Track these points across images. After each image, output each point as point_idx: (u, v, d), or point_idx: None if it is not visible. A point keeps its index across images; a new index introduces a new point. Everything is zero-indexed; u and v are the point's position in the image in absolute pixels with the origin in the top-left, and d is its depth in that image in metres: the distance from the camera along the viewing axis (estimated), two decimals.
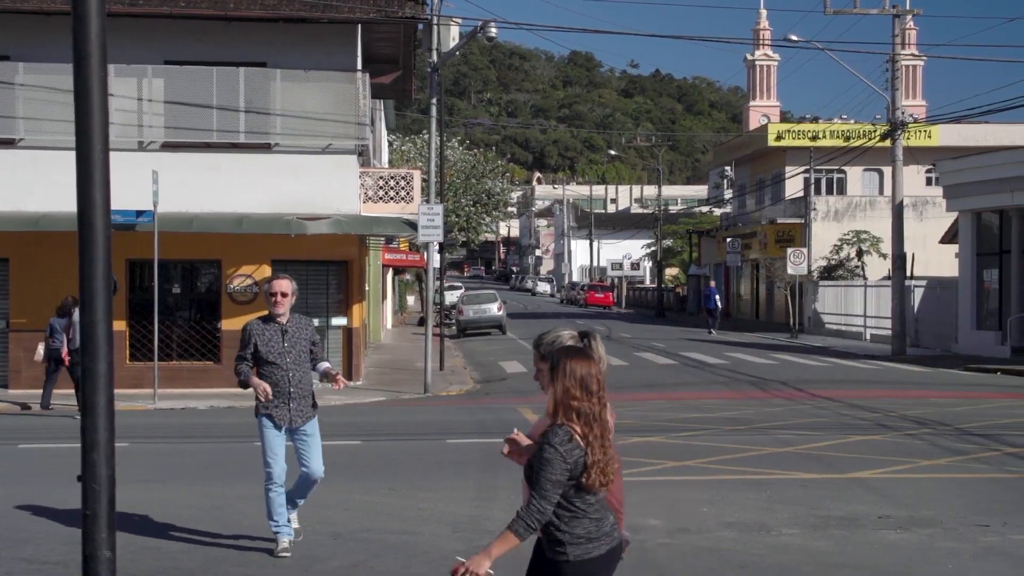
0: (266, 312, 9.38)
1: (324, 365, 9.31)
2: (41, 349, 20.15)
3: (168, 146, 23.98)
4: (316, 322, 24.83)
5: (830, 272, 49.50)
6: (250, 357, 9.18)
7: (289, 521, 9.33)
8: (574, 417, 4.74)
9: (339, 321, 25.29)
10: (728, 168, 67.20)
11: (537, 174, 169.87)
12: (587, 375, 4.76)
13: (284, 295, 9.17)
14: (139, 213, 22.08)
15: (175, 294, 25.09)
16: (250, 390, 9.24)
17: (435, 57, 28.48)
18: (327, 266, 25.30)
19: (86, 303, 3.97)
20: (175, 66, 24.01)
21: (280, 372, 9.09)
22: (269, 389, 9.01)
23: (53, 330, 20.30)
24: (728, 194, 67.81)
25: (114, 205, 4.44)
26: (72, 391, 19.51)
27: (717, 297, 49.70)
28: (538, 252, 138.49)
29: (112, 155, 4.09)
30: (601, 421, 4.80)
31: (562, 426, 4.76)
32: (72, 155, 3.99)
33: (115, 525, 4.10)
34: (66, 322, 19.92)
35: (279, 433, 9.17)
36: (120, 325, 23.28)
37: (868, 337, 41.24)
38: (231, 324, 24.18)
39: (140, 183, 21.41)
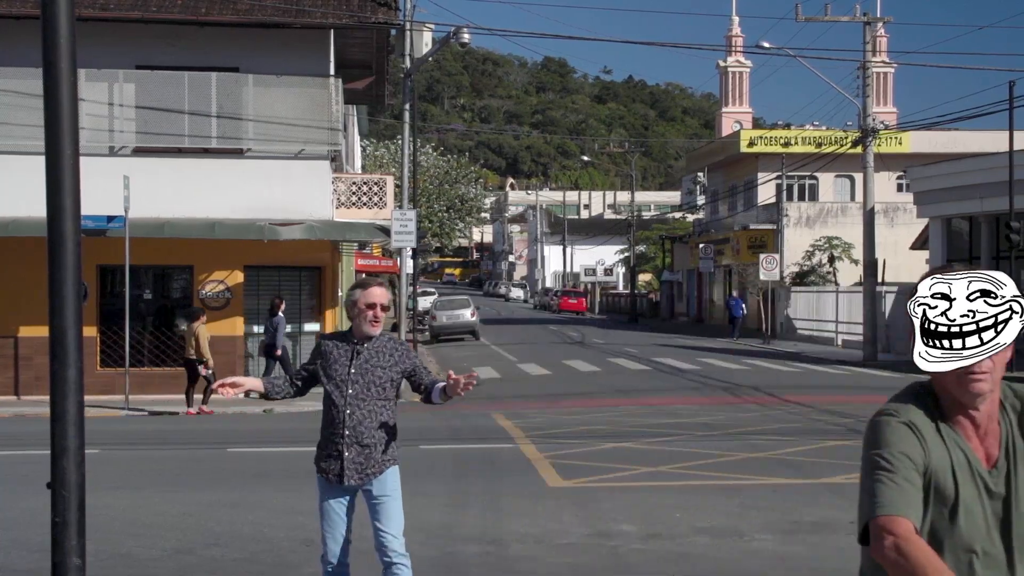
0: (346, 328, 6.88)
1: (440, 385, 6.71)
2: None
3: (140, 151, 23.87)
4: (289, 328, 25.13)
5: (802, 278, 49.73)
6: (304, 373, 6.74)
7: None
8: None
9: (312, 327, 25.24)
10: (701, 174, 67.51)
11: (510, 180, 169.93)
12: None
13: (385, 309, 6.59)
14: (110, 218, 21.95)
15: (146, 300, 24.96)
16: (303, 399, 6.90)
17: (408, 63, 28.49)
18: (300, 272, 25.23)
19: (55, 309, 3.94)
20: (147, 71, 23.91)
21: (336, 408, 6.48)
22: (227, 382, 6.45)
23: (267, 329, 23.71)
24: (701, 200, 68.08)
25: (85, 210, 4.41)
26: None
27: (743, 306, 49.98)
28: (511, 258, 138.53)
29: (83, 160, 4.06)
30: None
31: None
32: (42, 160, 3.96)
33: (85, 532, 4.07)
34: (279, 319, 23.56)
35: (336, 492, 6.59)
36: (91, 331, 23.15)
37: (840, 343, 41.44)
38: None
39: (111, 188, 21.30)
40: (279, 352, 23.50)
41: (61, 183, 3.92)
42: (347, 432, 6.45)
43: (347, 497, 6.61)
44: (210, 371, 21.43)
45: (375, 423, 6.50)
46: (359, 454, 6.47)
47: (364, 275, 44.47)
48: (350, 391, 6.46)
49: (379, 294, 6.57)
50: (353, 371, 6.47)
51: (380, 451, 6.54)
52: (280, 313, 23.67)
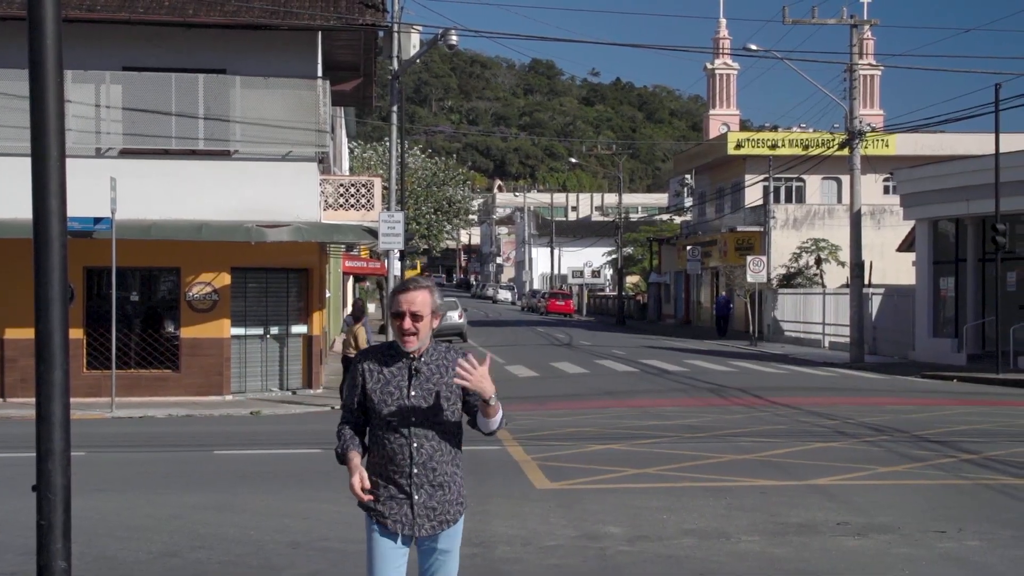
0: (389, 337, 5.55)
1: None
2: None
3: (126, 153, 23.81)
4: (275, 330, 25.11)
5: (789, 280, 49.83)
6: (357, 407, 5.29)
7: None
8: None
9: (299, 329, 25.20)
10: (688, 176, 67.54)
11: (498, 182, 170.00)
12: None
13: (418, 318, 5.14)
14: (97, 220, 21.89)
15: (133, 302, 24.89)
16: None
17: (396, 64, 28.49)
18: (287, 274, 25.19)
19: (41, 311, 3.93)
20: (133, 72, 23.84)
21: (398, 440, 5.16)
22: (363, 483, 5.14)
23: (350, 327, 23.74)
24: (688, 202, 68.14)
25: (71, 212, 4.40)
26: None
27: (732, 306, 50.80)
28: (499, 260, 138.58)
29: (69, 162, 4.06)
30: None
31: None
32: (28, 161, 3.96)
33: (71, 535, 4.06)
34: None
35: (394, 543, 5.23)
36: (77, 333, 23.08)
37: (827, 345, 41.54)
38: (190, 332, 24.04)
39: (98, 190, 21.25)
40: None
41: (47, 185, 3.91)
42: (415, 471, 5.16)
43: (406, 547, 5.26)
44: None
45: (448, 456, 5.25)
46: (431, 496, 5.19)
47: (342, 274, 44.38)
48: (414, 419, 5.16)
49: (417, 300, 5.14)
50: (414, 393, 5.16)
51: (456, 491, 5.28)
52: (366, 314, 25.30)
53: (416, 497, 5.16)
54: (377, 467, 5.23)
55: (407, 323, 5.09)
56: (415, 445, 5.14)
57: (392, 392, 5.15)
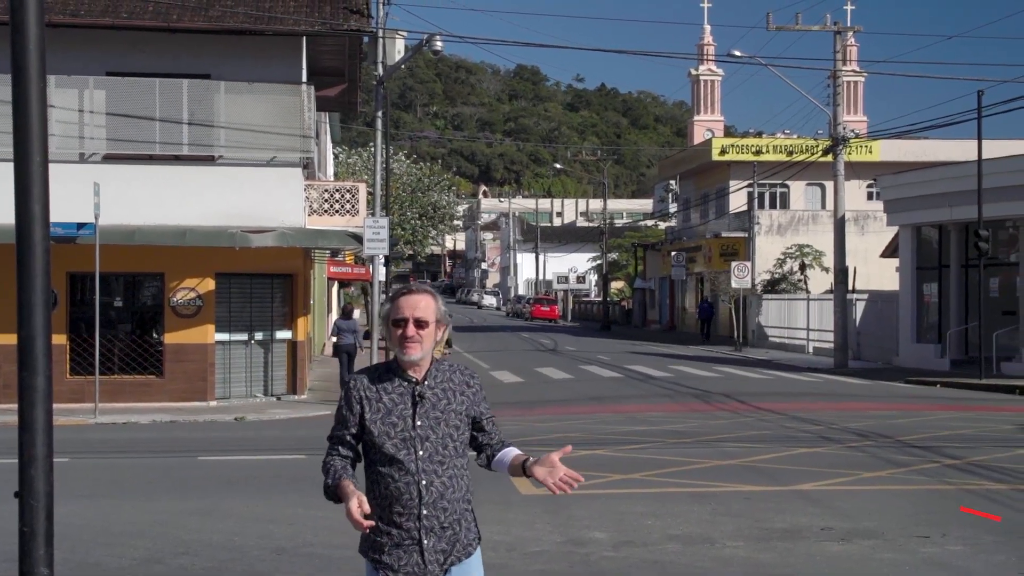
0: (387, 357, 4.87)
1: (512, 452, 4.81)
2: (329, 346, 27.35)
3: (110, 158, 23.71)
4: (260, 336, 25.06)
5: (773, 286, 49.94)
6: (352, 441, 4.60)
7: None
8: None
9: (284, 334, 25.15)
10: (673, 182, 67.69)
11: (483, 187, 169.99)
12: None
13: (423, 325, 4.51)
14: (80, 225, 21.80)
15: (117, 307, 24.79)
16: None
17: (381, 70, 28.47)
18: (272, 279, 25.13)
19: (24, 317, 3.91)
20: (117, 77, 23.76)
21: (404, 478, 4.48)
22: (362, 507, 4.32)
23: (340, 330, 26.37)
24: (673, 208, 68.28)
25: (55, 217, 4.39)
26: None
27: (714, 311, 52.86)
28: (484, 265, 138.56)
29: (52, 167, 4.04)
30: None
31: None
32: (11, 166, 3.94)
33: (53, 541, 4.04)
34: (352, 323, 26.71)
35: None
36: (60, 339, 22.97)
37: (811, 350, 41.63)
38: (174, 338, 23.96)
39: (81, 195, 21.15)
40: (361, 350, 26.97)
41: (30, 190, 3.89)
42: (425, 511, 4.46)
43: None
44: None
45: (460, 492, 4.58)
46: (440, 538, 4.49)
47: (327, 279, 44.33)
48: (421, 452, 4.48)
49: (415, 303, 4.51)
50: (420, 423, 4.50)
51: (467, 528, 4.61)
52: (354, 316, 27.46)
53: (426, 542, 4.45)
54: (378, 510, 4.48)
55: (410, 330, 4.45)
56: (424, 483, 4.46)
57: (395, 423, 4.48)
